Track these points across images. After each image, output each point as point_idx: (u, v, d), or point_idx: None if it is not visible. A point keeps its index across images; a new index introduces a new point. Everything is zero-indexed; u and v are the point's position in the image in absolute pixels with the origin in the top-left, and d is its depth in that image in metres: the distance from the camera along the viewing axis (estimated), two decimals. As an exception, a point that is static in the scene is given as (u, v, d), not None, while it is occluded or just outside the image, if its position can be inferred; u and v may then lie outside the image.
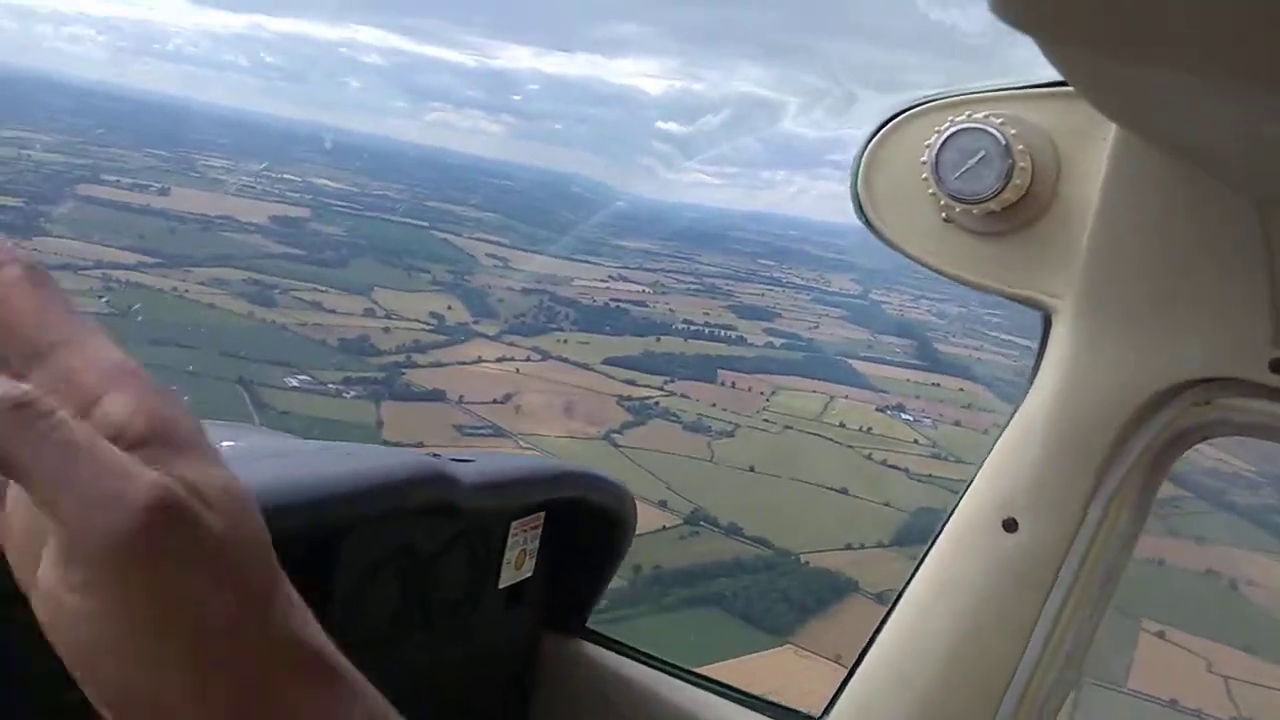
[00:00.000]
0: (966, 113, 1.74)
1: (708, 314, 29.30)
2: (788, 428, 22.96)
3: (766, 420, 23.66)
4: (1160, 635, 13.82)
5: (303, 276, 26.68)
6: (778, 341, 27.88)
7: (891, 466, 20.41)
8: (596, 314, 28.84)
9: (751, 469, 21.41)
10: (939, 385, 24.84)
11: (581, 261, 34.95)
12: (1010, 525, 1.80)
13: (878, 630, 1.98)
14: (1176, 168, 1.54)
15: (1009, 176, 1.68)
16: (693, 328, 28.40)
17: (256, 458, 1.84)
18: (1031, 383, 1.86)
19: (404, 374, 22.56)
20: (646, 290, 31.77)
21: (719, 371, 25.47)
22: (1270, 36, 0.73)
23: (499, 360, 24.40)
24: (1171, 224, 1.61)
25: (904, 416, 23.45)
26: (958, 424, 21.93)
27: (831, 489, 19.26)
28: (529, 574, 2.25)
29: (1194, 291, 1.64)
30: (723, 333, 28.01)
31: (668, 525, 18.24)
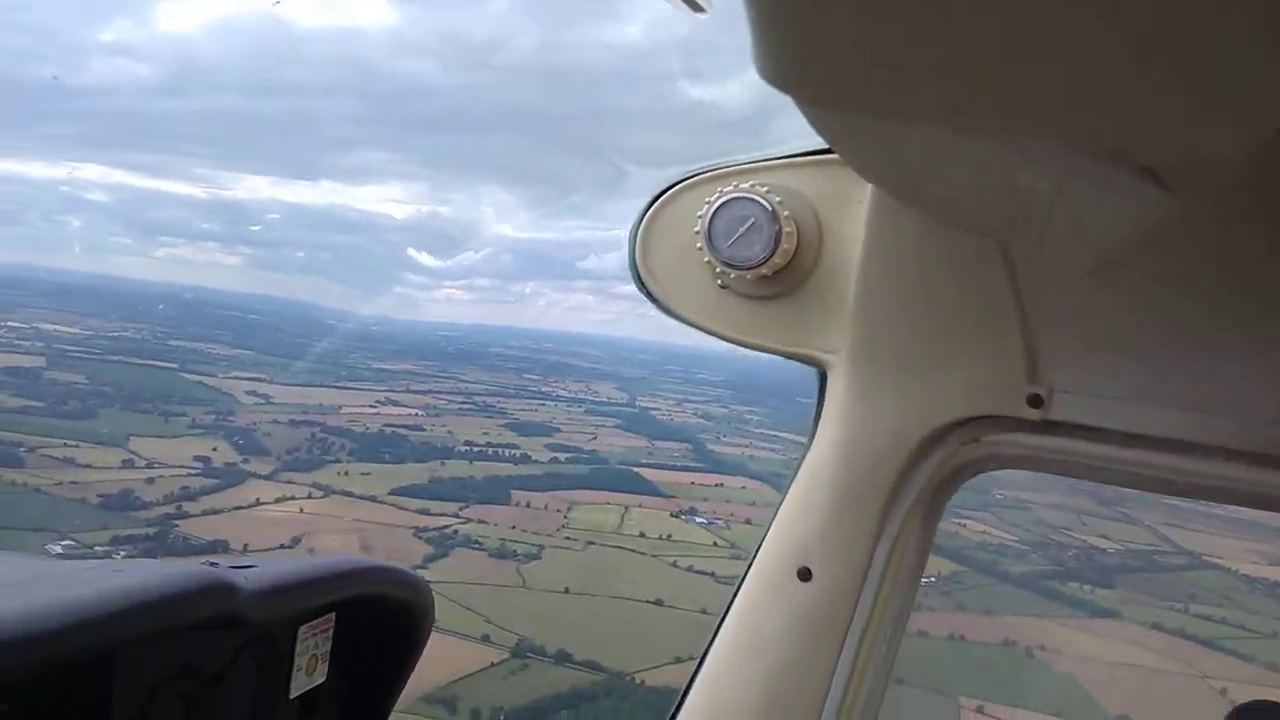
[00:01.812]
0: (734, 183, 1.82)
1: (487, 434, 29.40)
2: (590, 543, 23.10)
3: (568, 538, 23.69)
4: (980, 710, 14.70)
5: (49, 431, 24.77)
6: (563, 456, 28.21)
7: (699, 572, 20.75)
8: (373, 442, 28.39)
9: (566, 590, 21.27)
10: (722, 485, 25.87)
11: (346, 389, 34.20)
12: (804, 574, 1.85)
13: (687, 689, 1.99)
14: (929, 224, 1.65)
15: (777, 241, 1.77)
16: (476, 449, 28.42)
17: (12, 582, 1.69)
18: (813, 435, 1.93)
19: (177, 525, 21.14)
20: (419, 414, 31.58)
21: (511, 492, 25.48)
22: (1011, 89, 0.83)
23: (279, 500, 23.30)
24: (928, 276, 1.72)
25: (698, 520, 24.04)
26: (749, 522, 22.61)
27: (648, 602, 19.45)
28: (322, 679, 2.13)
29: (955, 337, 1.75)
30: (507, 452, 28.07)
31: (495, 661, 17.96)
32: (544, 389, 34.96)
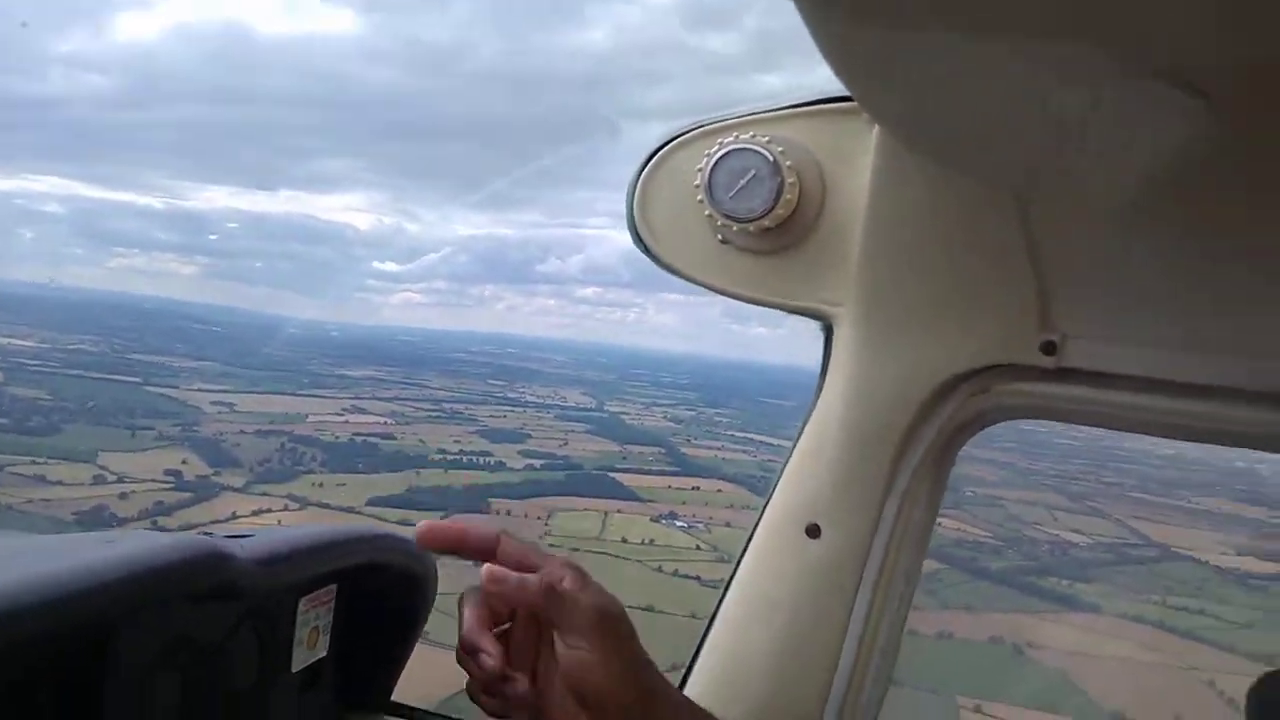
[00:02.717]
0: (734, 134, 1.79)
1: (459, 441, 29.16)
2: (574, 550, 22.49)
3: (552, 545, 22.49)
4: (978, 709, 14.85)
5: (15, 449, 24.33)
6: (537, 463, 28.01)
7: (684, 576, 20.78)
8: (344, 451, 28.05)
9: None
10: (699, 489, 25.78)
11: (310, 396, 33.88)
12: (813, 531, 1.81)
13: (696, 653, 1.94)
14: (937, 172, 1.63)
15: (780, 193, 1.74)
16: (449, 457, 28.18)
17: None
18: (819, 390, 1.89)
19: (156, 539, 20.85)
20: (388, 421, 31.33)
21: (490, 501, 25.11)
22: None
23: (255, 514, 23.09)
24: (936, 225, 1.68)
25: (678, 524, 23.97)
26: (729, 525, 22.61)
27: (637, 608, 19.40)
28: (323, 653, 2.09)
29: (964, 287, 1.72)
30: (481, 459, 27.86)
31: None
32: (511, 395, 34.90)
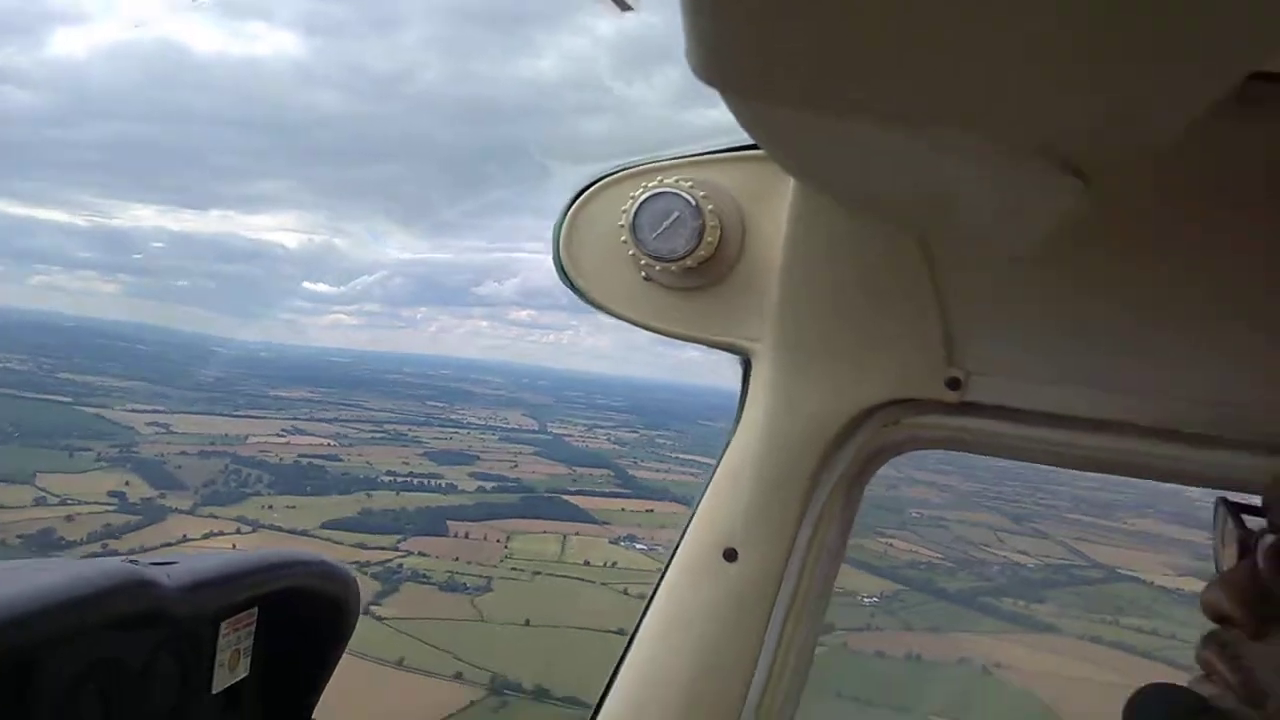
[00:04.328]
0: (659, 178, 1.86)
1: (407, 463, 29.01)
2: (537, 573, 23.06)
3: (514, 569, 23.58)
4: (960, 734, 15.28)
5: (-53, 472, 23.63)
6: (489, 485, 27.97)
7: None
8: (291, 473, 27.74)
9: (527, 623, 21.21)
10: (653, 511, 26.09)
11: (247, 417, 33.28)
12: (730, 555, 1.87)
13: (616, 669, 1.99)
14: (849, 217, 1.71)
15: (701, 235, 1.81)
16: (400, 479, 28.05)
17: None
18: (737, 421, 1.95)
19: (105, 565, 20.37)
20: (331, 443, 31.10)
21: (448, 523, 25.21)
22: (934, 82, 0.87)
23: (207, 536, 22.66)
24: (849, 267, 1.75)
25: (639, 547, 24.13)
26: (688, 547, 22.71)
27: (610, 631, 19.44)
28: (244, 674, 2.11)
29: (874, 324, 1.78)
30: (431, 482, 27.77)
31: (475, 700, 17.77)
32: (453, 416, 34.71)
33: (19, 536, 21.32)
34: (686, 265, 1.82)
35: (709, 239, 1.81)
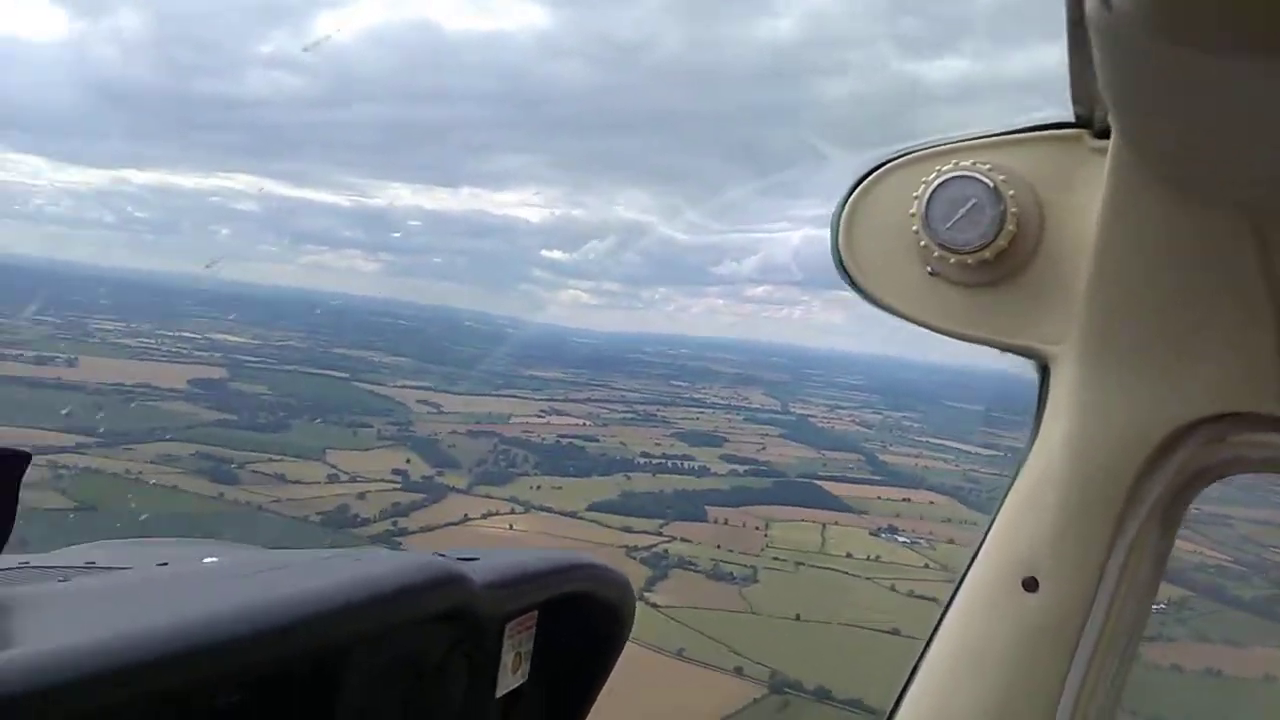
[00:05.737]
0: (954, 160, 1.70)
1: (659, 444, 29.68)
2: (799, 564, 23.20)
3: (776, 559, 23.82)
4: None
5: (250, 445, 25.57)
6: (741, 469, 28.36)
7: (919, 597, 20.56)
8: (553, 454, 28.78)
9: (798, 617, 21.31)
10: (909, 500, 25.66)
11: (507, 396, 34.88)
12: (1030, 585, 1.71)
13: (896, 705, 1.85)
14: (1176, 200, 1.50)
15: (1002, 222, 1.64)
16: (654, 461, 28.65)
17: (258, 570, 1.71)
18: (1035, 435, 1.76)
19: (400, 543, 21.87)
20: (586, 423, 32.11)
21: (706, 508, 25.62)
22: None
23: (487, 516, 24.01)
24: (1171, 257, 1.54)
25: (900, 539, 23.95)
26: (952, 542, 22.44)
27: (883, 631, 19.17)
28: (524, 679, 2.04)
29: (1200, 324, 1.56)
30: (684, 464, 28.25)
31: (757, 698, 18.00)
32: (696, 395, 35.36)
33: (319, 513, 23.03)
34: (983, 258, 1.66)
35: (1009, 227, 1.64)
